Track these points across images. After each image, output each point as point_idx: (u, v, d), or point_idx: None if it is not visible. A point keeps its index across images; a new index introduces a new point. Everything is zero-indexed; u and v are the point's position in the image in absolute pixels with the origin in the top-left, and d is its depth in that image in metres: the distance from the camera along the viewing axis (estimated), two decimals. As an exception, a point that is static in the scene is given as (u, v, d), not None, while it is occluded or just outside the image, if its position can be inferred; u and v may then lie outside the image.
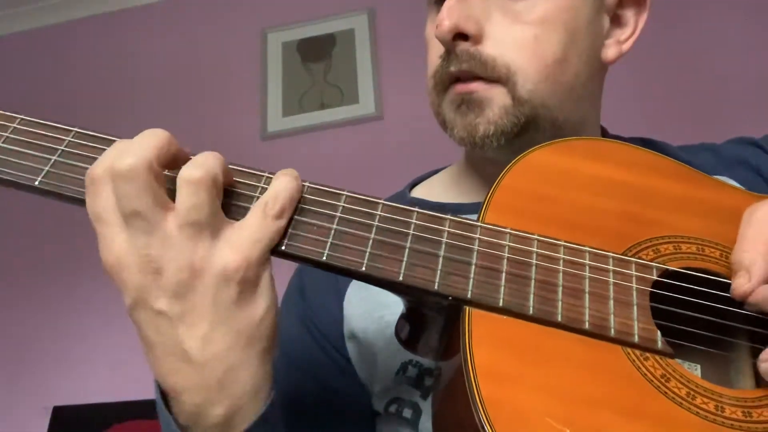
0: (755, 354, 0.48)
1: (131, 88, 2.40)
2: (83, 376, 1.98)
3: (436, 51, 0.66)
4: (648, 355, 0.45)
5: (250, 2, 2.45)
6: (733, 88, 1.92)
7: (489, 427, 0.39)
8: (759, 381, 0.47)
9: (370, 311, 0.65)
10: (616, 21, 0.69)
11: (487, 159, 0.69)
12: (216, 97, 2.32)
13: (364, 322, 0.66)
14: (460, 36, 0.62)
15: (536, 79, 0.62)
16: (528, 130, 0.63)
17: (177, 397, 0.46)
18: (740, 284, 0.46)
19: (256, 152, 2.16)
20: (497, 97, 0.62)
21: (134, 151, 0.43)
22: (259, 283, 0.45)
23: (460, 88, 0.63)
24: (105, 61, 2.48)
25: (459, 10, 0.61)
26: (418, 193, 0.77)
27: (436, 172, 0.81)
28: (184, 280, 0.43)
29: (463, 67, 0.62)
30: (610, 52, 0.68)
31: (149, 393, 0.49)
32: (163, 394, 0.47)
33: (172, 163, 0.46)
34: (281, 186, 0.47)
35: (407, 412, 0.62)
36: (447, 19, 0.61)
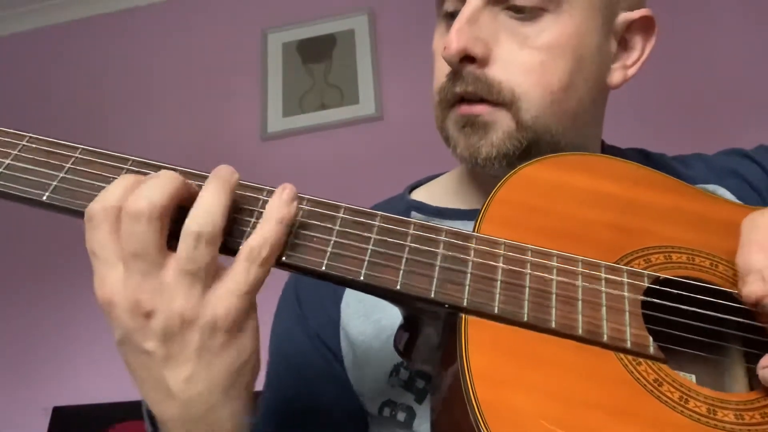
0: (748, 358, 0.49)
1: (131, 89, 2.41)
2: (83, 376, 1.99)
3: (443, 67, 0.65)
4: (641, 360, 0.45)
5: (250, 2, 2.45)
6: (734, 93, 1.92)
7: (484, 428, 0.40)
8: (752, 386, 0.48)
9: (368, 314, 0.66)
10: (623, 45, 0.68)
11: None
12: (216, 97, 2.33)
13: (361, 325, 0.66)
14: (468, 58, 0.61)
15: (540, 105, 0.62)
16: (530, 153, 0.62)
17: (163, 424, 0.48)
18: (756, 288, 0.46)
19: (256, 152, 2.16)
20: (501, 121, 0.62)
21: (148, 194, 0.44)
22: (245, 328, 0.47)
23: (465, 109, 0.63)
24: (105, 61, 2.48)
25: (468, 32, 0.60)
26: (417, 196, 0.77)
27: (434, 177, 0.81)
28: (173, 327, 0.45)
29: (468, 89, 0.62)
30: (615, 76, 0.67)
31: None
32: (151, 415, 0.49)
33: (181, 205, 0.47)
34: (269, 233, 0.46)
35: (401, 416, 0.62)
36: (456, 41, 0.60)
